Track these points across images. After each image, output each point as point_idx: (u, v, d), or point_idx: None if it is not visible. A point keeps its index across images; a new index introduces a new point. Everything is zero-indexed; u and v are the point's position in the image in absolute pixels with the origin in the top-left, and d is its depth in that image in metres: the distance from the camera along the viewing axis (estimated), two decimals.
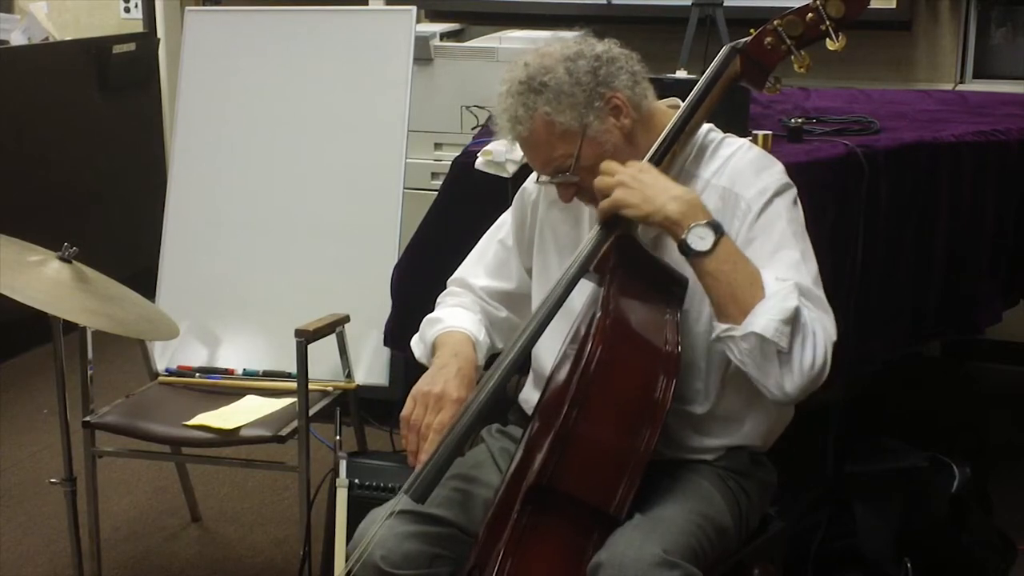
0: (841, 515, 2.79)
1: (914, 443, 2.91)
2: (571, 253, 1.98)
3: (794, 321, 1.79)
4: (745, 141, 2.05)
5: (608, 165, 1.91)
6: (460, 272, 2.25)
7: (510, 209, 2.21)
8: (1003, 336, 3.93)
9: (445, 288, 2.26)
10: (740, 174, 1.96)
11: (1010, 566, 2.87)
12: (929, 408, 3.65)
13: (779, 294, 1.80)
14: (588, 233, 1.98)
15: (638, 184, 1.86)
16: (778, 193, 1.94)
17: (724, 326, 1.83)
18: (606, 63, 1.94)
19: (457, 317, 2.14)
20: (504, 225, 2.22)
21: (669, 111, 2.03)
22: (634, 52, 2.00)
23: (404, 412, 1.95)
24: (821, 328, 1.83)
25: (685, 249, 1.82)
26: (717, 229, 1.82)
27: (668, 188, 1.86)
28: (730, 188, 1.95)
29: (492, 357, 2.08)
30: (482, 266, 2.22)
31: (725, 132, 2.06)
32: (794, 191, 1.97)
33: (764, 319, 1.79)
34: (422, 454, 1.88)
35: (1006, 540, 2.91)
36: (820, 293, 1.90)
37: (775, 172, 1.97)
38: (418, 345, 2.18)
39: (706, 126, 2.03)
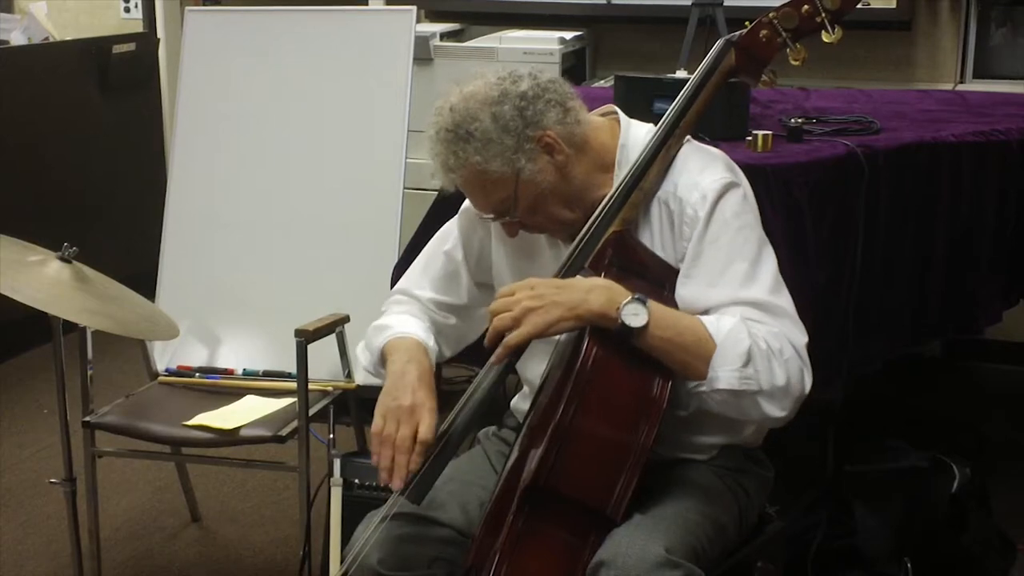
0: (841, 515, 2.79)
1: (914, 443, 2.91)
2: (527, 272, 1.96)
3: (752, 359, 1.74)
4: (688, 139, 1.97)
5: (499, 304, 1.79)
6: (404, 283, 2.17)
7: (456, 220, 2.15)
8: (1003, 336, 3.93)
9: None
10: (683, 176, 1.90)
11: (1010, 566, 2.87)
12: (929, 408, 3.66)
13: (728, 339, 1.75)
14: (548, 252, 1.98)
15: (546, 298, 1.75)
16: (721, 195, 1.86)
17: (692, 383, 1.79)
18: (532, 101, 1.87)
19: (406, 323, 2.07)
20: (450, 236, 2.14)
21: (605, 123, 1.99)
22: (561, 76, 1.96)
23: (375, 428, 1.88)
24: (785, 341, 1.78)
25: (625, 332, 1.72)
26: (643, 300, 1.74)
27: (575, 284, 1.78)
28: (674, 193, 1.89)
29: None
30: (427, 279, 2.14)
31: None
32: (740, 188, 1.90)
33: (724, 372, 1.75)
34: (411, 464, 1.84)
35: (1006, 540, 2.91)
36: (778, 299, 1.82)
37: (717, 170, 1.90)
38: (364, 353, 2.10)
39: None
